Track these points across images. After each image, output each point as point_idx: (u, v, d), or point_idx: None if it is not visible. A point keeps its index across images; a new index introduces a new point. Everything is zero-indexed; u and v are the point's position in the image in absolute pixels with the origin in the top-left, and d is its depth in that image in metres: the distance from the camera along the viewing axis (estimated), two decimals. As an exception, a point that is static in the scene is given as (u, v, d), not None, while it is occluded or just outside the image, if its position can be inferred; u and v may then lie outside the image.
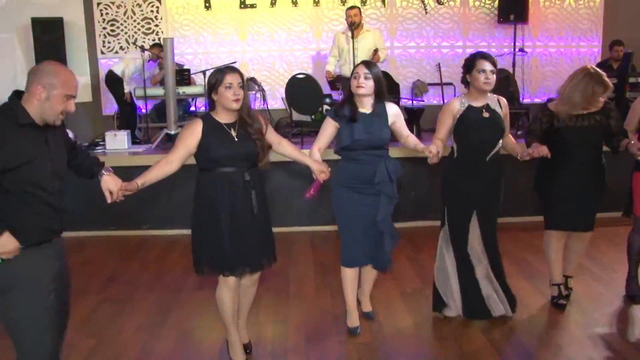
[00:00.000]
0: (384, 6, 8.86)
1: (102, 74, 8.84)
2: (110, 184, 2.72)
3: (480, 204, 3.65)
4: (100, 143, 6.50)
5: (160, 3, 8.86)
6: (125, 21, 8.96)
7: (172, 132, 6.91)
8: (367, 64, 3.49)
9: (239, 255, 3.09)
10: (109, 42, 9.01)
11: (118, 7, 8.91)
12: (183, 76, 7.49)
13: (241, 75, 3.07)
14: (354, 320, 3.69)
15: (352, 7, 7.00)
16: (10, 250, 2.33)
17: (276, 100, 8.54)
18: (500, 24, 8.77)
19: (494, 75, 3.50)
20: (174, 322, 3.91)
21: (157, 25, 8.92)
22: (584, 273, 4.50)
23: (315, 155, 3.48)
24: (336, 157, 3.62)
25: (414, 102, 8.38)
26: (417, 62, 8.97)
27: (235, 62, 8.36)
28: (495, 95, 3.67)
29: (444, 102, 8.49)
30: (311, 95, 6.09)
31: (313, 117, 7.19)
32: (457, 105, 3.61)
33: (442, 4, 8.89)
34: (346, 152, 3.46)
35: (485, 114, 3.57)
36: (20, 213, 2.36)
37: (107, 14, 8.95)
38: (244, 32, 8.85)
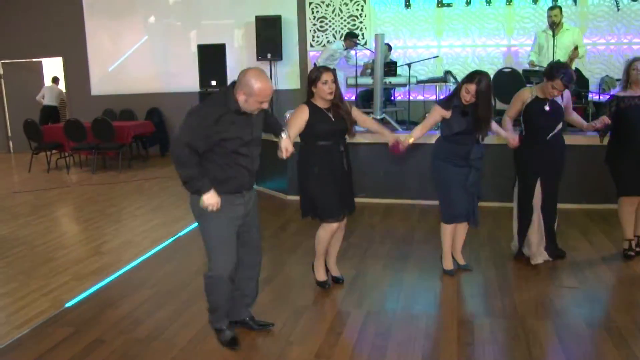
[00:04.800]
0: (575, 4, 9.28)
1: (310, 64, 10.16)
2: (287, 143, 3.50)
3: (543, 171, 4.52)
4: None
5: (365, 2, 9.97)
6: (333, 18, 10.19)
7: (378, 117, 7.93)
8: (477, 84, 4.08)
9: (339, 205, 4.04)
10: (318, 37, 10.31)
11: (327, 5, 10.17)
12: (390, 68, 8.46)
13: (333, 72, 3.91)
14: (448, 264, 4.59)
15: (553, 7, 7.55)
16: (214, 203, 3.12)
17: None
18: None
19: (559, 94, 4.35)
20: (412, 265, 4.87)
21: (361, 22, 10.06)
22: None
23: (416, 133, 4.36)
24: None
25: (601, 96, 8.72)
26: (606, 59, 9.29)
27: (436, 56, 9.34)
28: None
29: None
30: (515, 87, 6.77)
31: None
32: (527, 94, 4.50)
33: (636, 0, 9.12)
34: (454, 136, 4.24)
35: (547, 107, 4.39)
36: (223, 172, 3.16)
37: (317, 11, 10.24)
38: (440, 28, 9.73)
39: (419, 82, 8.87)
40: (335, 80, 3.89)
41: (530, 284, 4.37)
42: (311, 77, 3.93)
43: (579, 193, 6.50)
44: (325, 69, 3.93)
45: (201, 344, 3.53)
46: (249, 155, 3.20)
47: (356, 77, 8.47)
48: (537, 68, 7.64)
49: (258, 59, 10.31)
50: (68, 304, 4.20)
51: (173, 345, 3.53)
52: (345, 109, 3.99)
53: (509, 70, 7.24)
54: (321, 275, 4.36)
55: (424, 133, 4.40)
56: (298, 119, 3.92)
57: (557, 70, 4.25)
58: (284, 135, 3.51)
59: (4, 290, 4.53)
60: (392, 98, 9.30)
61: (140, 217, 6.81)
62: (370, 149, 6.86)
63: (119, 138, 9.85)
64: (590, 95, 8.35)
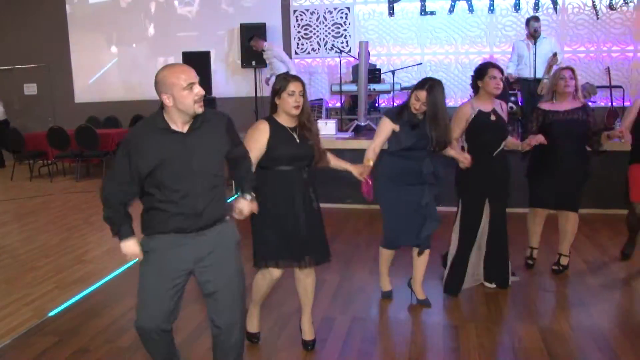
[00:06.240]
0: (556, 13, 9.42)
1: (293, 72, 10.18)
2: (244, 207, 2.77)
3: (491, 192, 4.21)
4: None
5: (349, 10, 10.04)
6: (317, 26, 10.24)
7: (362, 124, 8.00)
8: (427, 92, 3.68)
9: (287, 249, 3.22)
10: (302, 44, 10.34)
11: (312, 13, 10.21)
12: (374, 75, 8.51)
13: (303, 84, 3.19)
14: (386, 285, 4.30)
15: (538, 19, 7.66)
16: (131, 254, 2.62)
17: (450, 99, 9.38)
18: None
19: (502, 82, 4.09)
20: (398, 271, 4.87)
21: (345, 30, 10.11)
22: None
23: (370, 155, 3.78)
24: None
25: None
26: (586, 66, 9.42)
27: (420, 64, 9.42)
28: (498, 100, 4.23)
29: (612, 104, 8.96)
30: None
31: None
32: (469, 110, 4.15)
33: (615, 9, 9.28)
34: (403, 152, 3.80)
35: (493, 117, 4.14)
36: (156, 212, 2.58)
37: (302, 19, 10.28)
38: (423, 36, 9.82)
39: (402, 89, 8.94)
40: (304, 94, 3.19)
41: (515, 289, 4.40)
42: (276, 87, 3.20)
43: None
44: (295, 78, 3.21)
45: (185, 353, 3.50)
46: (185, 190, 2.55)
47: (340, 84, 8.52)
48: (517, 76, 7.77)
49: (243, 66, 10.36)
50: (51, 313, 4.16)
51: (158, 354, 3.50)
52: (316, 132, 3.31)
53: (492, 77, 7.32)
54: (253, 326, 3.59)
55: (377, 152, 3.86)
56: (258, 140, 3.15)
57: (485, 64, 4.11)
58: (247, 197, 2.80)
59: (-15, 299, 4.49)
60: (377, 104, 9.36)
61: (124, 225, 6.74)
62: (353, 155, 6.86)
63: (102, 146, 9.78)
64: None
